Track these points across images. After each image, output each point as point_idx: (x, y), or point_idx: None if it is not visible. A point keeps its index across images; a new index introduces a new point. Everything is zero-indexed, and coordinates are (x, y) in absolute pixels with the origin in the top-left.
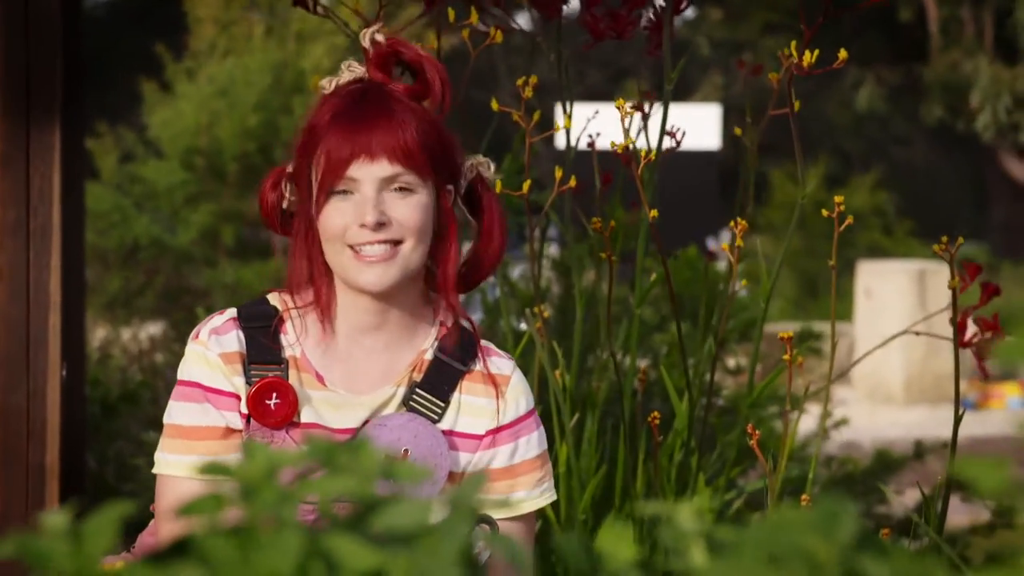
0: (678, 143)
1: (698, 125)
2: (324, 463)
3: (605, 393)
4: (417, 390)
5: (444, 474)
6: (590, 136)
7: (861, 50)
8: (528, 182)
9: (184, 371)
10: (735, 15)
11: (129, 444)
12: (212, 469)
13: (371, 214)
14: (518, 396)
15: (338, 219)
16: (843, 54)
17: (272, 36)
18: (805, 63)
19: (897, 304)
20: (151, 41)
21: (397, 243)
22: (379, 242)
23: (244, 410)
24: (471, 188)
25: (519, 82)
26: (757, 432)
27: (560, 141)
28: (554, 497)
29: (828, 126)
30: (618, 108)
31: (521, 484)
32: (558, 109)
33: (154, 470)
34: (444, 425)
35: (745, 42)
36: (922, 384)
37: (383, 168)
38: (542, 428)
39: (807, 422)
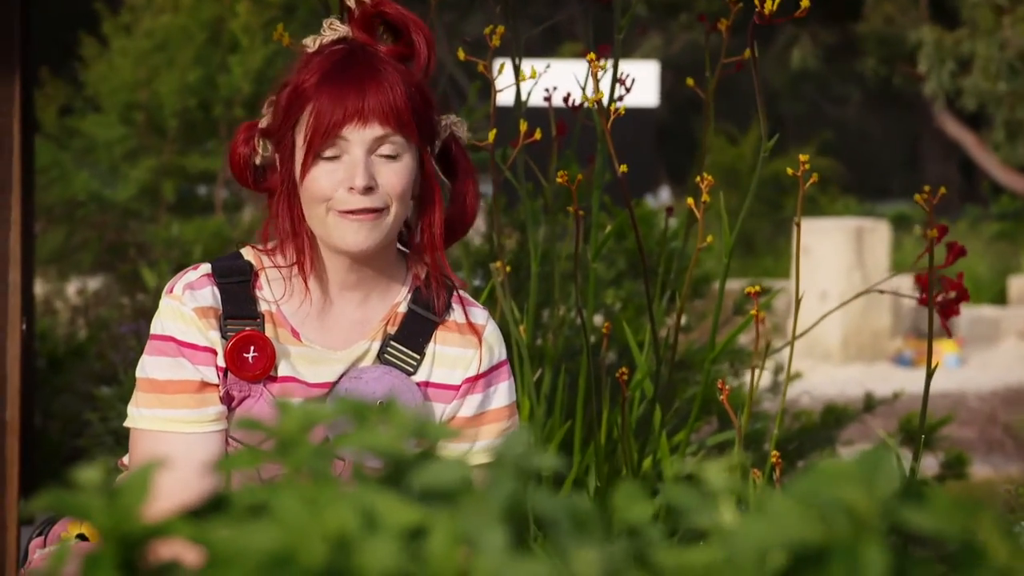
0: (628, 90)
1: (635, 82)
2: (355, 421)
3: (561, 348)
4: (391, 343)
5: None
6: (546, 91)
7: (794, 8)
8: (494, 131)
9: (157, 325)
10: None
11: (75, 399)
12: (246, 424)
13: (361, 177)
14: (492, 346)
15: (325, 181)
16: (805, 2)
17: None
18: (767, 10)
19: (834, 261)
20: None
21: (381, 210)
22: (366, 208)
23: (221, 363)
24: (445, 147)
25: (487, 31)
26: (727, 388)
27: (503, 98)
28: None
29: (763, 86)
30: (590, 63)
31: (485, 433)
32: (495, 65)
33: (127, 424)
34: (419, 377)
35: (681, 1)
36: (859, 341)
37: (374, 131)
38: (512, 379)
39: (762, 379)
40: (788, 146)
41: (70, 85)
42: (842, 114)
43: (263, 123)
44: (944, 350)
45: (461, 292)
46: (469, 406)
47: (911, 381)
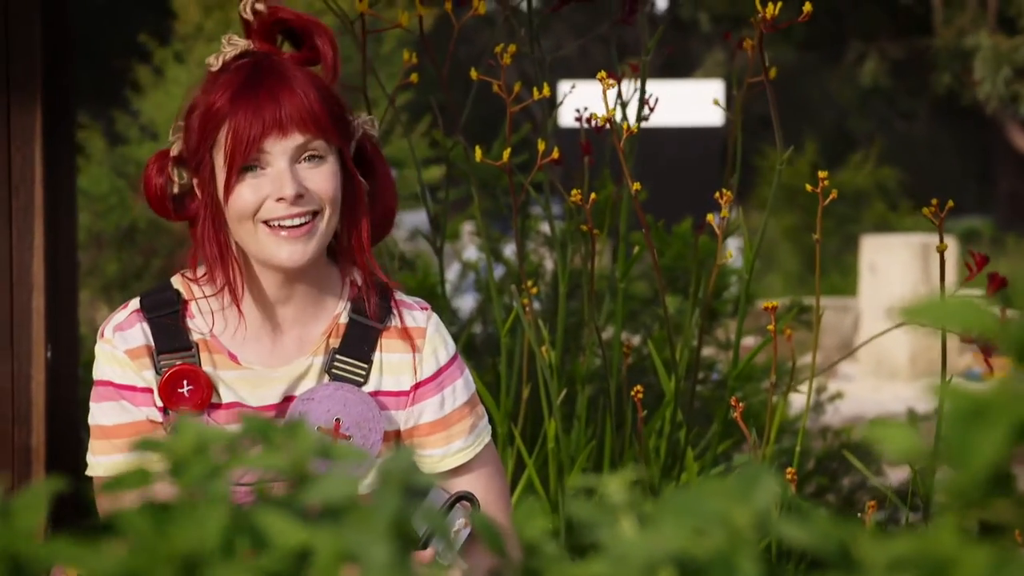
0: (651, 110)
1: (700, 101)
2: (258, 441)
3: (594, 369)
4: (337, 356)
5: (379, 437)
6: (577, 111)
7: (862, 24)
8: (508, 151)
9: (97, 371)
10: None
11: None
12: (145, 445)
13: (290, 187)
14: (436, 348)
15: (251, 196)
16: (808, 7)
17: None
18: (768, 14)
19: (901, 278)
20: (143, 27)
21: (315, 214)
22: (298, 215)
23: (159, 402)
24: (359, 148)
25: (497, 49)
26: (741, 405)
27: (566, 119)
28: (489, 435)
29: (831, 102)
30: (599, 80)
31: (457, 433)
32: (562, 86)
33: (88, 473)
34: (370, 386)
35: (744, 17)
36: (928, 358)
37: (294, 139)
38: (467, 372)
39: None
40: (853, 160)
41: (124, 115)
42: (911, 129)
43: (174, 151)
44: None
45: (398, 295)
46: (430, 411)
47: None
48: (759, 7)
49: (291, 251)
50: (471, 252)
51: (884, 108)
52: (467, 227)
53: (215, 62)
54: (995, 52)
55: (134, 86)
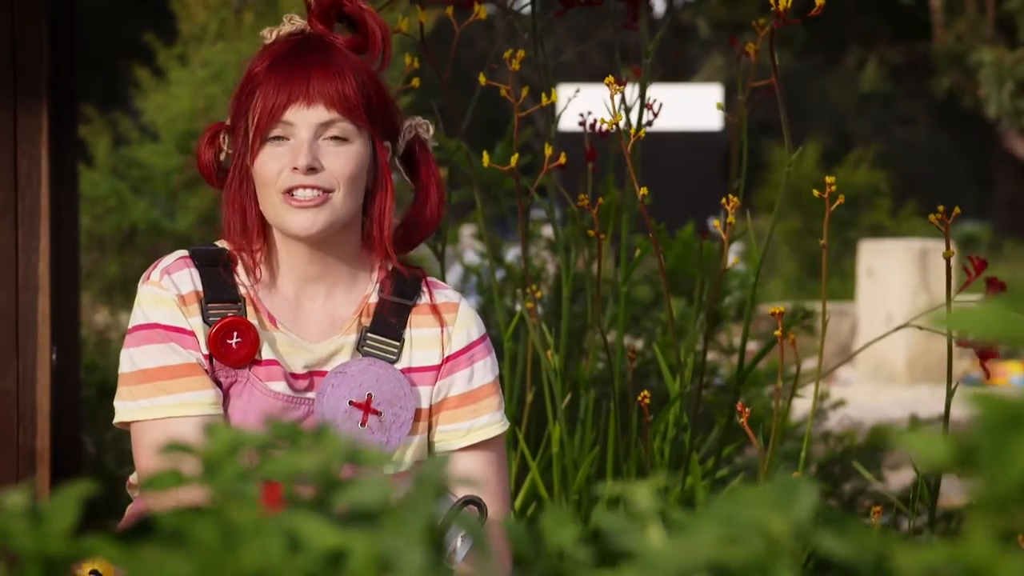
0: (655, 115)
1: (700, 106)
2: (287, 443)
3: (598, 373)
4: (369, 335)
5: (410, 415)
6: (581, 115)
7: (862, 30)
8: (516, 156)
9: (140, 315)
10: None
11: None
12: (173, 448)
13: (304, 156)
14: (469, 323)
15: (272, 164)
16: (820, 1)
17: (262, 20)
18: (782, 6)
19: (899, 283)
20: (146, 27)
21: (328, 191)
22: (310, 187)
23: (204, 351)
24: (409, 149)
25: (506, 55)
26: (747, 410)
27: (566, 123)
28: (507, 424)
29: (830, 107)
30: (607, 85)
31: (484, 408)
32: (562, 90)
33: (124, 419)
34: (401, 363)
35: (743, 23)
36: (925, 363)
37: (319, 114)
38: (494, 354)
39: (808, 402)
40: (847, 161)
41: (126, 117)
42: (911, 133)
43: (228, 120)
44: (1011, 371)
45: (429, 277)
46: (459, 384)
47: None
48: (772, 2)
49: (301, 220)
50: (470, 256)
51: (883, 113)
52: (467, 230)
53: (269, 36)
54: (997, 67)
55: (136, 87)
